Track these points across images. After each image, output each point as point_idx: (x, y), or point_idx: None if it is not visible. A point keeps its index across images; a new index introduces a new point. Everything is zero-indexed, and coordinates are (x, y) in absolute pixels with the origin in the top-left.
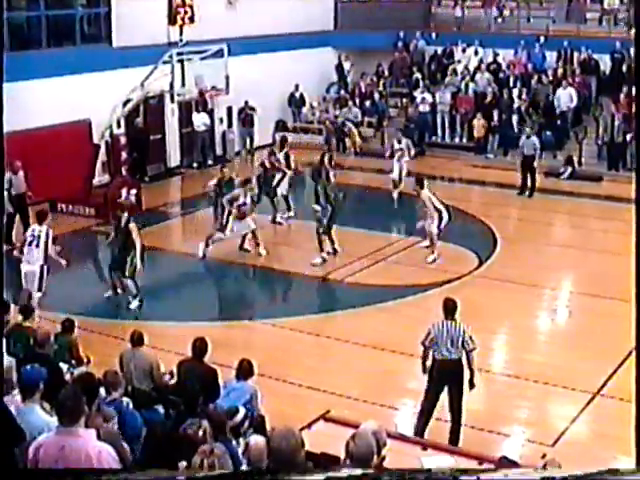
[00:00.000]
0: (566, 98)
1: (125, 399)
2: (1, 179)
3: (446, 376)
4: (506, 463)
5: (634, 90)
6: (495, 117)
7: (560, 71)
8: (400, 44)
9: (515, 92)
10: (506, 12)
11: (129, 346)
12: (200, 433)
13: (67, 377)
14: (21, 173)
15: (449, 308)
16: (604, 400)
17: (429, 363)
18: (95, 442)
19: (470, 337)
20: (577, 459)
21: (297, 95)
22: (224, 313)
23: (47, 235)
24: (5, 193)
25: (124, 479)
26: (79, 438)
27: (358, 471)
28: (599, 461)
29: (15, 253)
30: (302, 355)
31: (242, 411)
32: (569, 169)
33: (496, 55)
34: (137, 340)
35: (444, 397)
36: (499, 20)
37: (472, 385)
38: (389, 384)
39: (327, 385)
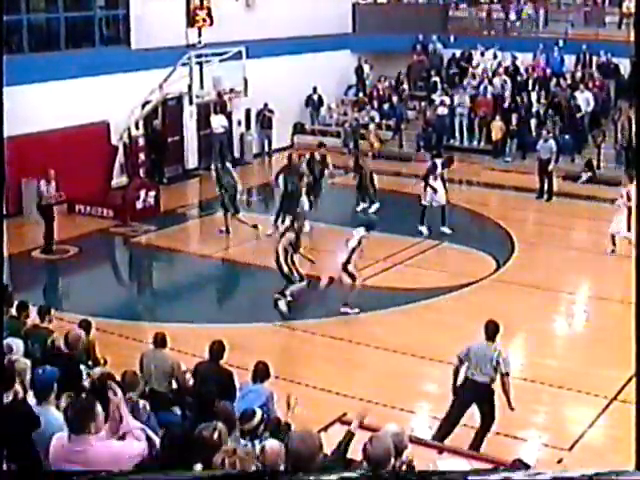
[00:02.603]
0: (584, 102)
1: (142, 401)
2: (1, 179)
3: (473, 397)
4: (520, 466)
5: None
6: (513, 120)
7: (578, 75)
8: (418, 47)
9: (533, 95)
10: (525, 15)
11: (150, 347)
12: (215, 435)
13: (84, 378)
14: (54, 183)
15: (490, 330)
16: (621, 405)
17: (460, 378)
18: (107, 444)
19: (505, 360)
20: (594, 464)
21: (315, 97)
22: (241, 315)
23: None
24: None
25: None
26: (90, 446)
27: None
28: (616, 466)
29: None
30: (318, 358)
31: (259, 414)
32: (588, 173)
33: (515, 58)
34: (160, 341)
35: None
36: (517, 23)
37: (511, 408)
38: (406, 387)
39: (344, 388)
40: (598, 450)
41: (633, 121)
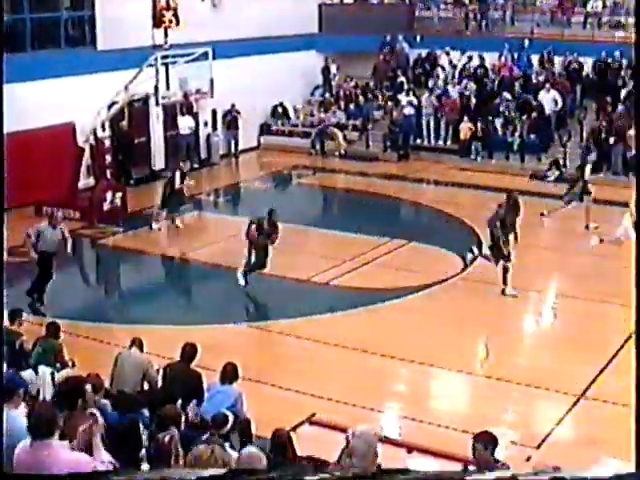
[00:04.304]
0: (550, 101)
1: (103, 401)
2: (1, 179)
3: None
4: (496, 465)
5: (634, 90)
6: (480, 121)
7: (544, 74)
8: (385, 47)
9: (500, 95)
10: (491, 15)
11: (125, 349)
12: (166, 440)
13: (48, 380)
14: (61, 228)
15: None
16: (589, 403)
17: None
18: (70, 454)
19: None
20: (562, 461)
21: (280, 110)
22: (209, 316)
23: None
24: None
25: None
26: (52, 451)
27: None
28: (584, 463)
29: None
30: (287, 358)
31: (231, 419)
32: (556, 172)
33: (481, 59)
34: (138, 344)
35: (430, 402)
36: (484, 23)
37: None
38: (374, 387)
39: (312, 388)
40: (566, 447)
41: (600, 121)
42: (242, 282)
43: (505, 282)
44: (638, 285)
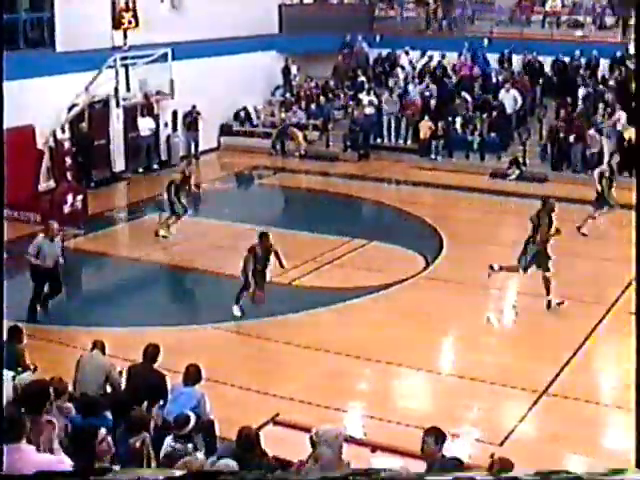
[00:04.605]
0: (510, 100)
1: (68, 404)
2: (1, 179)
3: None
4: (455, 463)
5: (634, 91)
6: (440, 120)
7: (504, 73)
8: (345, 47)
9: (461, 95)
10: (453, 14)
11: (87, 352)
12: (138, 444)
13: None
14: (57, 240)
15: None
16: (551, 399)
17: None
18: (40, 456)
19: None
20: (525, 458)
21: (242, 114)
22: (171, 318)
23: None
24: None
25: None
26: (23, 454)
27: None
28: (548, 459)
29: None
30: (250, 359)
31: (193, 419)
32: (516, 170)
33: (441, 58)
34: (99, 347)
35: (393, 401)
36: (444, 22)
37: None
38: (338, 387)
39: (275, 389)
40: (528, 444)
41: (560, 119)
42: (238, 313)
43: (549, 293)
44: (638, 286)
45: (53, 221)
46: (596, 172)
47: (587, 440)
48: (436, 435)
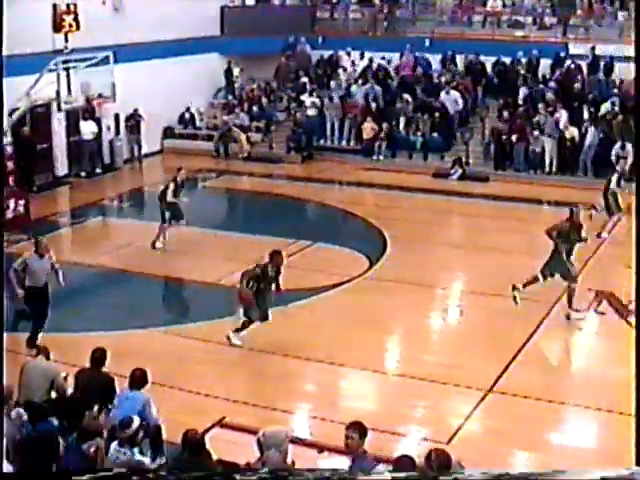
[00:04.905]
0: (451, 102)
1: (15, 411)
2: (1, 179)
3: None
4: (407, 462)
5: (634, 91)
6: (383, 120)
7: (446, 75)
8: (288, 48)
9: (401, 97)
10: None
11: (31, 358)
12: (92, 450)
13: None
14: (47, 257)
15: None
16: (496, 397)
17: None
18: None
19: None
20: (472, 455)
21: (187, 115)
22: (117, 322)
23: None
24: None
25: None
26: None
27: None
28: (494, 457)
29: None
30: (196, 362)
31: (136, 421)
32: (459, 170)
33: (383, 59)
34: (44, 352)
35: (340, 402)
36: (385, 23)
37: None
38: (283, 388)
39: (222, 391)
40: (476, 442)
41: (502, 118)
42: (238, 342)
43: (570, 305)
44: (638, 284)
45: (42, 237)
46: (614, 180)
47: (533, 437)
48: (359, 430)
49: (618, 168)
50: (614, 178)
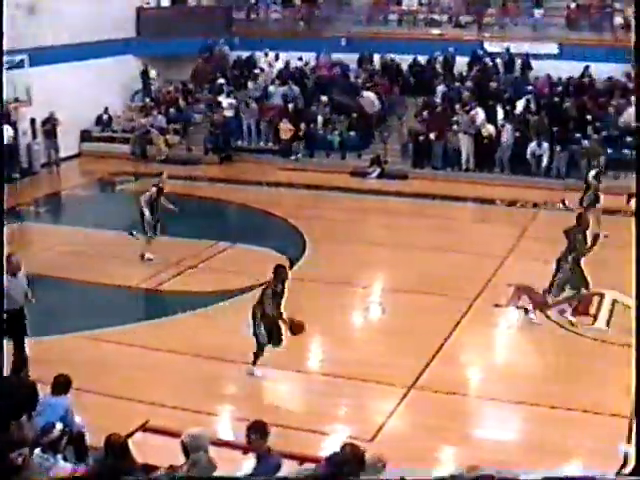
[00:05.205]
0: (368, 103)
1: None
2: (1, 180)
3: None
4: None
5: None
6: (301, 120)
7: (363, 74)
8: (206, 50)
9: (318, 97)
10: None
11: None
12: (20, 460)
13: None
14: (22, 274)
15: None
16: (419, 393)
17: None
18: None
19: None
20: (396, 452)
21: (105, 117)
22: (37, 328)
23: None
24: None
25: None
26: None
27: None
28: (419, 452)
29: None
30: (119, 366)
31: (58, 427)
32: (378, 169)
33: (300, 60)
34: None
35: (264, 403)
36: (302, 24)
37: None
38: (207, 391)
39: (145, 395)
40: (399, 439)
41: (419, 117)
42: (259, 373)
43: (574, 311)
44: (638, 283)
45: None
46: (591, 175)
47: (457, 432)
48: (260, 430)
49: (595, 163)
50: (592, 173)
